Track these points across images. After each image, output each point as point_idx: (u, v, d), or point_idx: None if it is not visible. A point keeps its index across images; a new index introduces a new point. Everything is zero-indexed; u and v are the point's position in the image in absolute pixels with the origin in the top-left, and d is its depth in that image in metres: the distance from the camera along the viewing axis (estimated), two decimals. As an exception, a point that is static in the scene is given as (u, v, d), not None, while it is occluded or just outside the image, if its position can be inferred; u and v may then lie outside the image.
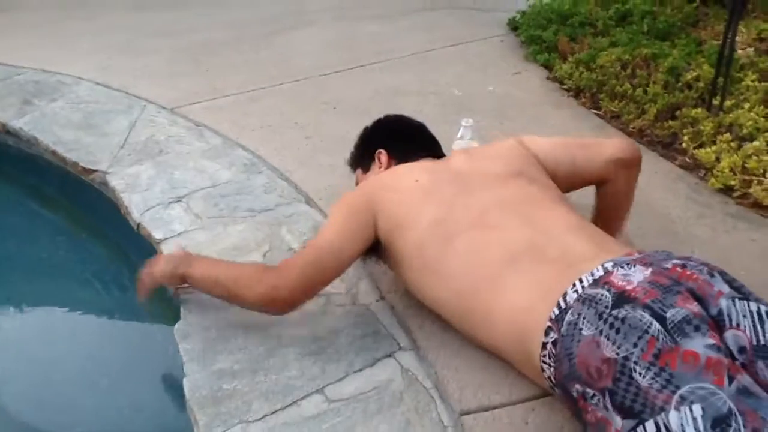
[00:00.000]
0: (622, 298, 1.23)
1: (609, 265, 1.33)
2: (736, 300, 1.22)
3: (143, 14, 4.77)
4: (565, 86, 3.19)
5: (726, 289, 1.24)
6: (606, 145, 1.82)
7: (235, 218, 2.17)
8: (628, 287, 1.25)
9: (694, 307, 1.19)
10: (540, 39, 3.58)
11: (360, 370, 1.57)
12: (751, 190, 2.25)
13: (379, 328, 1.69)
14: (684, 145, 2.56)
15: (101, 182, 2.52)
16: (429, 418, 1.44)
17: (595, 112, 2.95)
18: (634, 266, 1.30)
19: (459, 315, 1.57)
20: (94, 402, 1.77)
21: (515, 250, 1.48)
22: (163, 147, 2.66)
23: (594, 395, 1.20)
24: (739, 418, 1.06)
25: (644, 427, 1.11)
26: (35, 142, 2.84)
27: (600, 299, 1.25)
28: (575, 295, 1.30)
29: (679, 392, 1.10)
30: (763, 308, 1.21)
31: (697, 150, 2.48)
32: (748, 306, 1.21)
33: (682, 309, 1.18)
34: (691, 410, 1.08)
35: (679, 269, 1.28)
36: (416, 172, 1.74)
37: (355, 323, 1.71)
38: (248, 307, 1.65)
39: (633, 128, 2.75)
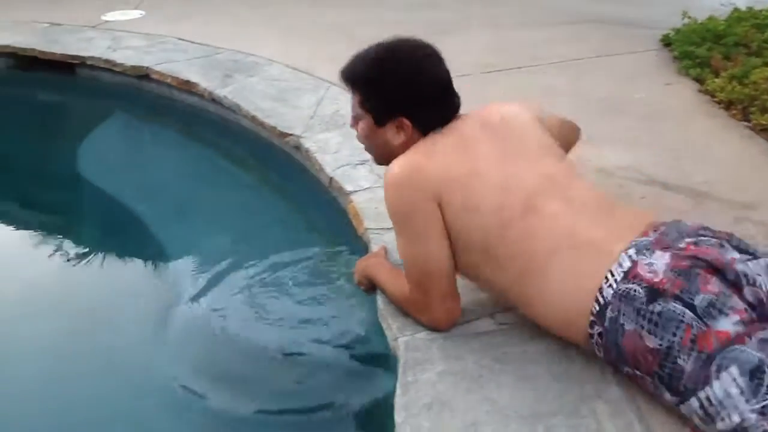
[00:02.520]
0: (654, 293, 1.43)
1: (632, 253, 1.50)
2: (748, 262, 1.43)
3: (316, 8, 5.26)
4: (716, 99, 3.35)
5: (737, 255, 1.46)
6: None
7: (413, 181, 2.53)
8: (656, 279, 1.43)
9: (715, 287, 1.39)
10: (693, 55, 3.74)
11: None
12: None
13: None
14: (831, 158, 2.69)
15: (294, 145, 2.96)
16: (584, 345, 1.72)
17: (745, 124, 3.10)
18: (654, 252, 1.48)
19: (515, 298, 1.70)
20: (300, 316, 2.15)
21: (558, 237, 1.59)
22: (347, 120, 3.04)
23: (643, 377, 1.46)
24: None
25: (689, 403, 1.36)
26: (237, 109, 3.33)
27: (635, 296, 1.44)
28: (611, 291, 1.48)
29: (715, 363, 1.32)
30: None
31: (843, 164, 2.61)
32: (758, 263, 1.44)
33: (706, 295, 1.38)
34: (729, 373, 1.30)
35: (693, 247, 1.47)
36: (461, 155, 1.69)
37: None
38: None
39: (782, 141, 2.89)
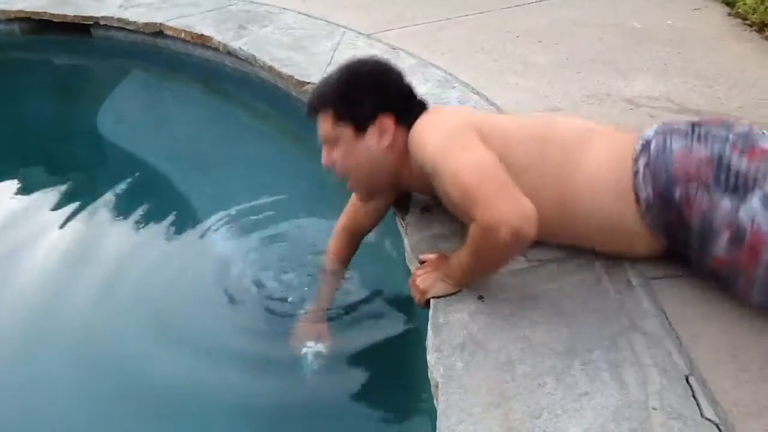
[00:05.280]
0: (696, 125, 1.52)
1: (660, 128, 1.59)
2: None
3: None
4: (747, 21, 3.22)
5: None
6: None
7: (435, 123, 2.47)
8: (695, 120, 1.55)
9: (747, 126, 1.51)
10: (723, -24, 3.58)
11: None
12: None
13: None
14: None
15: (313, 93, 2.90)
16: (618, 278, 1.66)
17: (780, 45, 2.98)
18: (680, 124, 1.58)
19: (558, 197, 1.61)
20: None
21: (584, 133, 1.64)
22: (364, 65, 2.99)
23: (698, 190, 1.45)
24: None
25: (750, 202, 1.39)
26: (253, 60, 3.27)
27: (678, 127, 1.53)
28: (652, 132, 1.56)
29: None
30: None
31: None
32: None
33: (743, 127, 1.49)
34: None
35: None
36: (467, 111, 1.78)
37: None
38: (505, 256, 1.54)
39: (820, 60, 2.77)
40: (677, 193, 1.48)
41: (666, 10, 3.44)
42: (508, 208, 1.41)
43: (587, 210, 1.62)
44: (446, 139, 1.56)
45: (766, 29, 3.11)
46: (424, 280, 1.67)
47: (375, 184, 1.78)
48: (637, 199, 1.54)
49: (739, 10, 3.30)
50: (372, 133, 1.66)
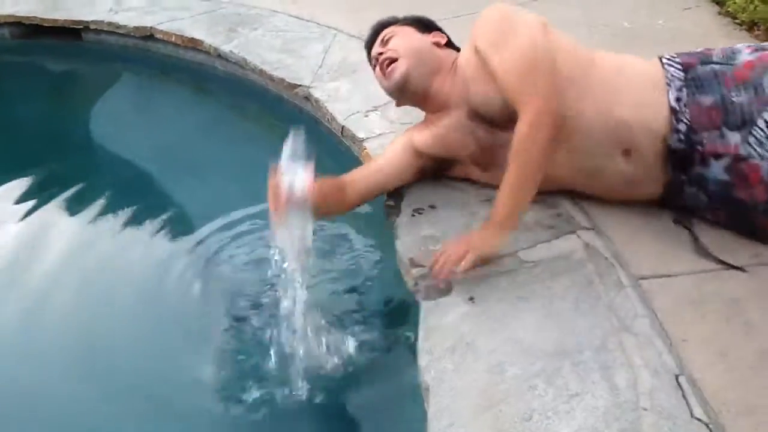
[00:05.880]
0: None
1: None
2: None
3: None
4: (737, 20, 3.23)
5: None
6: None
7: (426, 124, 2.46)
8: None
9: None
10: (712, -25, 3.59)
11: (547, 241, 1.82)
12: None
13: (562, 212, 1.93)
14: None
15: (304, 96, 2.90)
16: (609, 279, 1.67)
17: (769, 44, 2.98)
18: None
19: (594, 106, 1.78)
20: (318, 266, 2.09)
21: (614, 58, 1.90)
22: (356, 67, 2.99)
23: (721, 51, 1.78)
24: None
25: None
26: (244, 64, 3.26)
27: None
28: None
29: None
30: None
31: None
32: None
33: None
34: None
35: None
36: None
37: (541, 207, 1.94)
38: (546, 155, 1.68)
39: (809, 59, 2.77)
40: (701, 58, 1.77)
41: (656, 10, 3.44)
42: (547, 92, 1.70)
43: (614, 76, 1.83)
44: (512, 14, 1.89)
45: (755, 28, 3.12)
46: (459, 248, 1.68)
47: (416, 71, 1.98)
48: (668, 82, 1.76)
49: (729, 10, 3.31)
50: (428, 35, 2.04)
